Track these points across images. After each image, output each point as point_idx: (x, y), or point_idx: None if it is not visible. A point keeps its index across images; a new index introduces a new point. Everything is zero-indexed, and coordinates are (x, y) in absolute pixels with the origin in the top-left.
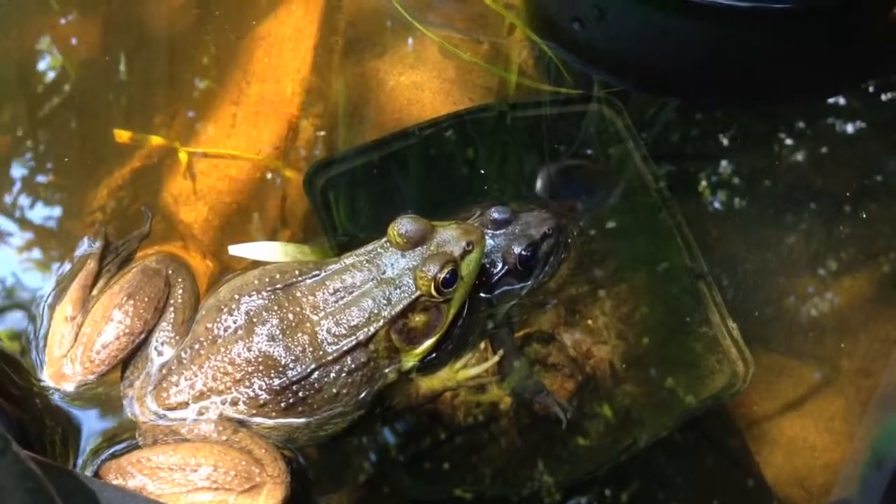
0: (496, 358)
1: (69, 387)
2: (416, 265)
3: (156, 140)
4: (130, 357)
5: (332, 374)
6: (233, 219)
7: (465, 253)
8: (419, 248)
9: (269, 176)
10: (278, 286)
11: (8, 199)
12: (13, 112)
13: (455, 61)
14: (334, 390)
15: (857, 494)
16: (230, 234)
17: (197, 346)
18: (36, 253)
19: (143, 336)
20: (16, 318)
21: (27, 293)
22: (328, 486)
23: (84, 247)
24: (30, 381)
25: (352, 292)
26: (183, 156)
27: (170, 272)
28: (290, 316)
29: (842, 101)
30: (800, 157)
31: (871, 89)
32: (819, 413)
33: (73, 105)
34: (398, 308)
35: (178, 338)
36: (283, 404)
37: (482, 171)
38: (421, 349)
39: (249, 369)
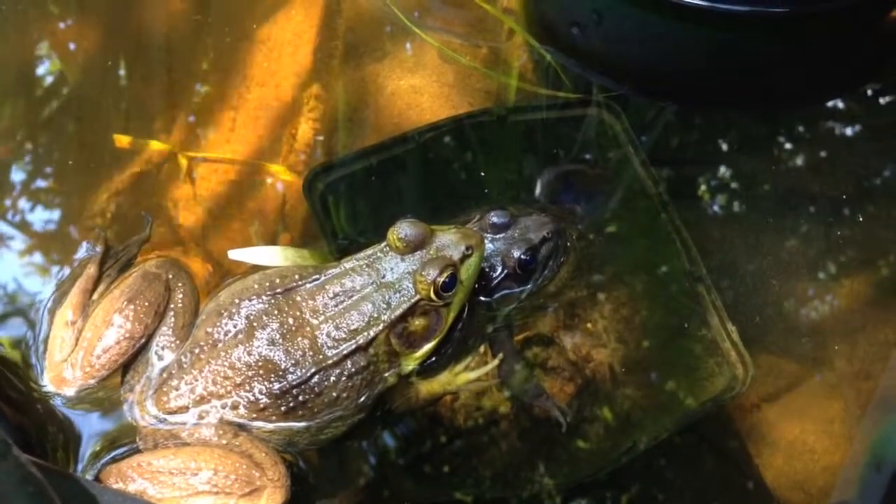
0: (496, 361)
1: (70, 391)
2: (415, 269)
3: (155, 145)
4: (131, 361)
5: (332, 378)
6: (232, 223)
7: (465, 257)
8: (419, 252)
9: (268, 180)
10: (278, 290)
11: (8, 203)
12: (13, 117)
13: (454, 66)
14: (334, 394)
15: (856, 497)
16: (230, 238)
17: (197, 351)
18: (36, 258)
19: (143, 340)
20: (16, 323)
21: (27, 298)
22: (328, 490)
23: (84, 251)
24: (30, 385)
25: (352, 296)
26: (183, 160)
27: (170, 277)
28: (291, 320)
29: (840, 104)
30: (799, 160)
31: (869, 93)
32: (818, 416)
33: (73, 110)
34: (398, 312)
35: (178, 342)
36: (283, 408)
37: (481, 175)
38: (420, 353)
39: (250, 373)
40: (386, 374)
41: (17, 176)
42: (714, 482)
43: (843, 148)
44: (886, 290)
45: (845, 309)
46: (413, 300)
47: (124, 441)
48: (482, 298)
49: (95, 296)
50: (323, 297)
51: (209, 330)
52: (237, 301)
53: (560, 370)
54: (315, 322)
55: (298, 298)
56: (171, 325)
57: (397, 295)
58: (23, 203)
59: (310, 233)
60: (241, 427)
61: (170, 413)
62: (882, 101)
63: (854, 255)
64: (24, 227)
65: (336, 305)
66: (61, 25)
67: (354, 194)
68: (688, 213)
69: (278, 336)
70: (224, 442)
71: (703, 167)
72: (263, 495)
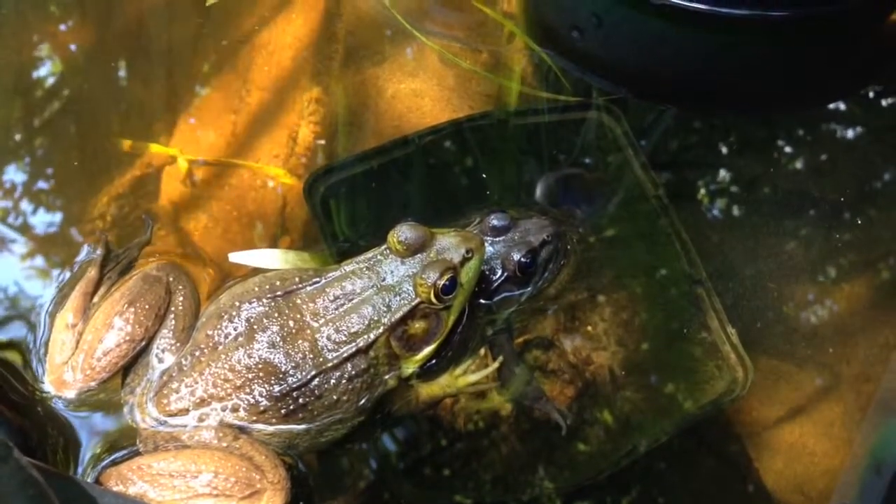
0: (496, 364)
1: (70, 394)
2: (415, 272)
3: (156, 148)
4: (131, 364)
5: (333, 381)
6: (233, 226)
7: (465, 260)
8: (419, 255)
9: (269, 183)
10: (279, 293)
11: (8, 206)
12: (13, 119)
13: (454, 69)
14: (334, 397)
15: (856, 500)
16: (230, 241)
17: (197, 353)
18: (36, 260)
19: (143, 343)
20: (17, 326)
21: (28, 301)
22: (328, 493)
23: (85, 254)
24: (31, 388)
25: (352, 299)
26: (183, 163)
27: (170, 279)
28: (291, 323)
29: (840, 107)
30: (799, 163)
31: (869, 95)
32: (818, 419)
33: (73, 112)
34: (398, 315)
35: (178, 345)
36: (283, 411)
37: (482, 179)
38: (421, 356)
39: (250, 376)
40: (386, 377)
41: (17, 178)
42: (714, 485)
43: (843, 150)
44: (887, 292)
45: (845, 311)
46: (413, 303)
47: (125, 443)
48: (482, 301)
49: (96, 299)
50: (323, 300)
51: (209, 332)
52: (237, 304)
53: (560, 373)
54: (315, 325)
55: (299, 301)
56: (172, 327)
57: (397, 298)
58: (24, 205)
59: (310, 236)
60: (242, 430)
61: (170, 415)
62: (883, 103)
63: (854, 257)
64: (24, 229)
65: (336, 308)
66: (62, 27)
67: (355, 197)
68: (688, 215)
69: (278, 339)
70: (224, 444)
71: (703, 170)
72: (263, 498)
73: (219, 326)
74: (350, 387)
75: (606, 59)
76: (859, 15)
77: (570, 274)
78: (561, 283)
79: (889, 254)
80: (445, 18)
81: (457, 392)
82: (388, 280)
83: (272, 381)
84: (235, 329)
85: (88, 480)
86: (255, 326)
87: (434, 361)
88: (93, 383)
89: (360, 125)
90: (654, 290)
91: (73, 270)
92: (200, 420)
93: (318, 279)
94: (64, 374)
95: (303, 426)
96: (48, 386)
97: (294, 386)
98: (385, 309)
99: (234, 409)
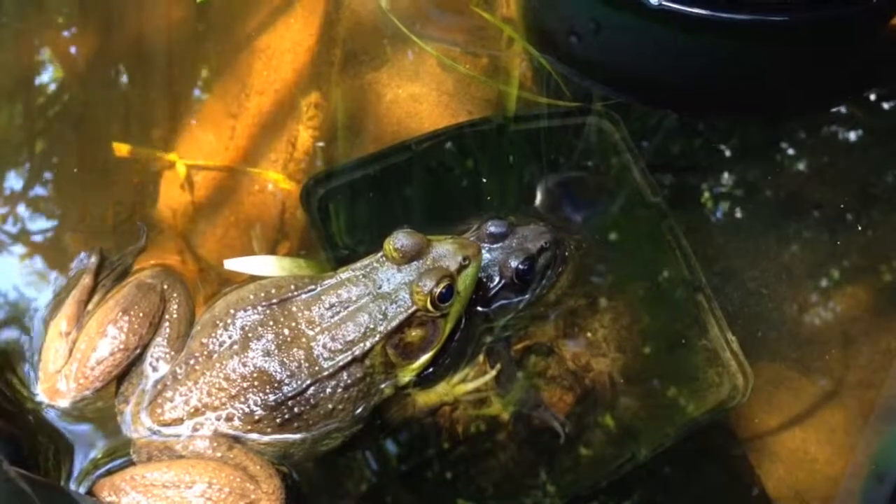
0: (493, 372)
1: (63, 403)
2: (412, 280)
3: (154, 153)
4: (125, 373)
5: (328, 390)
6: (231, 231)
7: (462, 267)
8: (415, 262)
9: (268, 188)
10: (274, 301)
11: (5, 211)
12: (12, 124)
13: (453, 74)
14: (330, 406)
15: None
16: (229, 246)
17: (192, 362)
18: (32, 267)
19: (137, 352)
20: (10, 334)
21: (22, 308)
22: (325, 501)
23: (80, 261)
24: (23, 396)
25: (347, 307)
26: (182, 169)
27: (165, 287)
28: (286, 331)
29: (843, 110)
30: (801, 166)
31: (872, 98)
32: (820, 425)
33: (72, 117)
34: (394, 323)
35: (173, 353)
36: (278, 420)
37: (481, 184)
38: (417, 364)
39: (245, 385)
40: (382, 386)
41: (14, 183)
42: (715, 491)
43: (845, 154)
44: (889, 297)
45: (848, 317)
46: (410, 311)
47: (118, 453)
48: (479, 309)
49: (90, 306)
50: (319, 308)
51: (204, 341)
52: (232, 312)
53: (560, 380)
54: (311, 333)
55: (294, 309)
56: (166, 336)
57: (394, 306)
58: (20, 211)
59: (310, 241)
60: (236, 439)
61: (164, 425)
62: (885, 105)
63: (856, 262)
64: (21, 235)
65: (332, 316)
66: (63, 33)
67: (353, 203)
68: (690, 220)
69: (274, 347)
70: (218, 454)
71: (704, 174)
72: None
73: (213, 335)
74: (346, 396)
75: (605, 64)
76: (861, 19)
77: (569, 280)
78: (560, 290)
79: (892, 258)
80: (444, 23)
81: (454, 400)
82: (384, 288)
83: (267, 390)
84: (230, 337)
85: (81, 491)
86: (250, 335)
87: (431, 370)
88: (86, 392)
89: (359, 130)
90: (654, 295)
91: (68, 278)
92: (195, 429)
93: (313, 287)
94: (57, 382)
95: (298, 435)
96: (41, 394)
97: (289, 395)
98: (381, 317)
99: (229, 419)
